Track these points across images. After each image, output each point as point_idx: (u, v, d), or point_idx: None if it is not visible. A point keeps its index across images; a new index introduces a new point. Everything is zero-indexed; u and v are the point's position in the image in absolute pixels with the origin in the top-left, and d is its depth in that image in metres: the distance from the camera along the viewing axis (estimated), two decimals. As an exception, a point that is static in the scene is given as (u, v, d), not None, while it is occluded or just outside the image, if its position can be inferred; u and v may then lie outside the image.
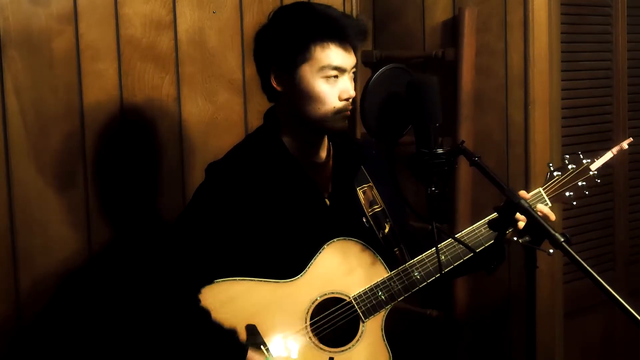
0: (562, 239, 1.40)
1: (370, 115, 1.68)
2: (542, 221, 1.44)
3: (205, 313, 1.72)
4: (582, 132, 2.90)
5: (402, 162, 1.67)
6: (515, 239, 1.49)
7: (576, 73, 2.85)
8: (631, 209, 3.08)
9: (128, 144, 2.22)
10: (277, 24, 1.83)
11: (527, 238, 1.47)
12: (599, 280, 1.34)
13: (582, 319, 2.93)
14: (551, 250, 1.87)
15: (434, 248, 1.82)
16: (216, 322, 1.73)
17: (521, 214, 1.48)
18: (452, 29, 2.68)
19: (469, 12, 2.61)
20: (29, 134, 2.05)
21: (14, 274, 2.04)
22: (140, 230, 2.25)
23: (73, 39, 2.11)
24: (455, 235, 1.85)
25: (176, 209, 2.31)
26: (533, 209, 1.47)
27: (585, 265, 1.37)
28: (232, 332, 1.73)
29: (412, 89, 1.64)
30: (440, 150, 1.59)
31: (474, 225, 1.88)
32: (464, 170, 2.60)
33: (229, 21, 2.41)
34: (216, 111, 2.40)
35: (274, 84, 1.82)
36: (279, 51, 1.80)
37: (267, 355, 1.71)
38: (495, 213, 1.54)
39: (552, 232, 1.41)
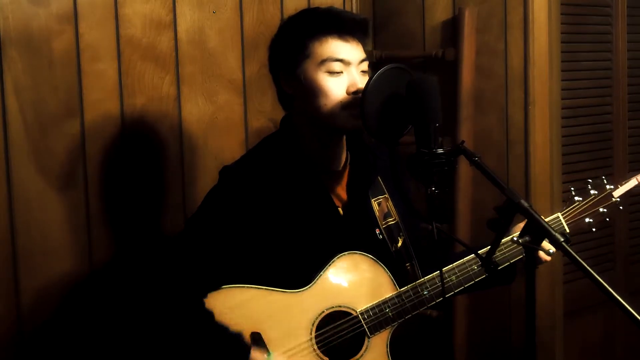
0: (562, 239, 1.40)
1: (370, 116, 1.67)
2: (542, 221, 1.44)
3: (209, 314, 1.72)
4: (582, 132, 2.91)
5: (402, 163, 1.67)
6: (515, 238, 1.49)
7: (576, 73, 2.85)
8: (631, 209, 3.08)
9: (128, 144, 2.22)
10: (280, 30, 1.86)
11: (527, 238, 1.47)
12: (599, 280, 1.34)
13: (582, 319, 2.94)
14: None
15: (447, 267, 1.83)
16: (220, 323, 1.72)
17: (521, 214, 1.47)
18: (452, 29, 2.68)
19: (469, 12, 2.61)
20: (29, 134, 2.05)
21: (14, 273, 2.04)
22: (141, 229, 2.25)
23: (73, 39, 2.11)
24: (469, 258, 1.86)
25: (176, 209, 2.32)
26: (533, 209, 1.46)
27: (585, 265, 1.36)
28: (235, 334, 1.72)
29: (412, 89, 1.63)
30: (440, 150, 1.58)
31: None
32: (464, 170, 2.60)
33: (229, 21, 2.41)
34: (216, 111, 2.40)
35: (285, 89, 1.83)
36: (282, 55, 1.82)
37: (269, 355, 1.71)
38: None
39: (552, 232, 1.41)
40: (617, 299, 1.32)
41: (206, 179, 2.33)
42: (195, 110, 2.35)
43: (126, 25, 2.20)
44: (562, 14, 2.73)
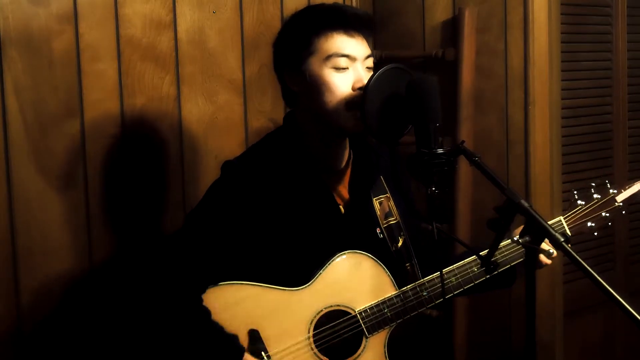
0: (562, 239, 1.40)
1: (370, 116, 1.67)
2: (542, 221, 1.44)
3: (206, 312, 1.72)
4: (582, 132, 2.91)
5: (402, 163, 1.67)
6: (515, 238, 1.49)
7: (576, 73, 2.85)
8: (631, 209, 3.08)
9: (128, 144, 2.22)
10: (284, 27, 1.85)
11: (527, 238, 1.47)
12: (599, 280, 1.34)
13: (582, 319, 2.94)
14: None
15: (447, 268, 1.83)
16: (216, 322, 1.72)
17: (521, 214, 1.47)
18: (452, 29, 2.68)
19: (469, 12, 2.61)
20: (29, 134, 2.05)
21: (14, 273, 2.04)
22: (141, 229, 2.25)
23: (73, 39, 2.11)
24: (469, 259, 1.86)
25: (176, 209, 2.32)
26: (533, 209, 1.46)
27: (585, 265, 1.36)
28: (231, 335, 1.72)
29: (412, 89, 1.63)
30: (440, 150, 1.58)
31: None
32: (464, 170, 2.60)
33: (229, 21, 2.41)
34: (216, 111, 2.40)
35: (290, 86, 1.83)
36: (286, 52, 1.82)
37: None
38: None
39: (552, 232, 1.41)
40: (617, 299, 1.32)
41: (206, 180, 2.33)
42: (195, 110, 2.35)
43: (126, 25, 2.20)
44: (562, 14, 2.73)
